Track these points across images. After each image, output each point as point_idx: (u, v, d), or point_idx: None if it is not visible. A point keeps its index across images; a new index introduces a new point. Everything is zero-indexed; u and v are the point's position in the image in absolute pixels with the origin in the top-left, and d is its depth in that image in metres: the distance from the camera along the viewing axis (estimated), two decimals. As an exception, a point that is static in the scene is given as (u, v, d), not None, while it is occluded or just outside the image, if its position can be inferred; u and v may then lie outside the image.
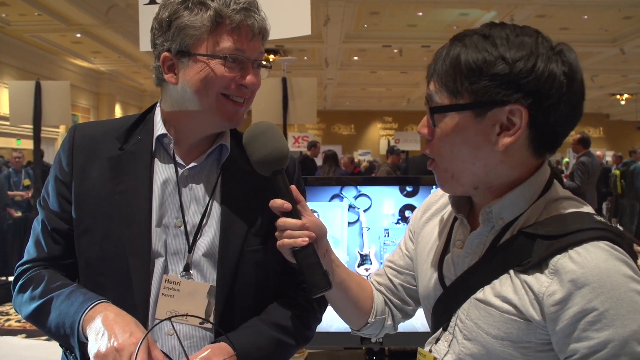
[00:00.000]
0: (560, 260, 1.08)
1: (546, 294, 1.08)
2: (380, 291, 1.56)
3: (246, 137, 1.43)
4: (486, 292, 1.18)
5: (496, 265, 1.19)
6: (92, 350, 1.22)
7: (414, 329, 2.10)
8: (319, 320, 1.63)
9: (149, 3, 2.80)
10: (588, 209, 1.18)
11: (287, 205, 1.35)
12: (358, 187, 2.22)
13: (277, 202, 1.35)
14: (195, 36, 1.38)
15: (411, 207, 2.19)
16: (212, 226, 1.48)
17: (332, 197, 2.23)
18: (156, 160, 1.50)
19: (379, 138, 31.32)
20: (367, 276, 2.10)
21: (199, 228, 1.47)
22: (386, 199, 2.21)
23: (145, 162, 1.48)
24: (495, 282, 1.17)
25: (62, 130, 17.80)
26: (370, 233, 2.21)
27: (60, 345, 1.44)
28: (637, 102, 25.27)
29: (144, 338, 1.20)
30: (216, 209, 1.49)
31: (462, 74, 1.13)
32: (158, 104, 1.55)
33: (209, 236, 1.47)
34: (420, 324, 2.09)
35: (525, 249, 1.14)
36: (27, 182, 10.49)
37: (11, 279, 1.52)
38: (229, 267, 1.45)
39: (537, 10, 13.44)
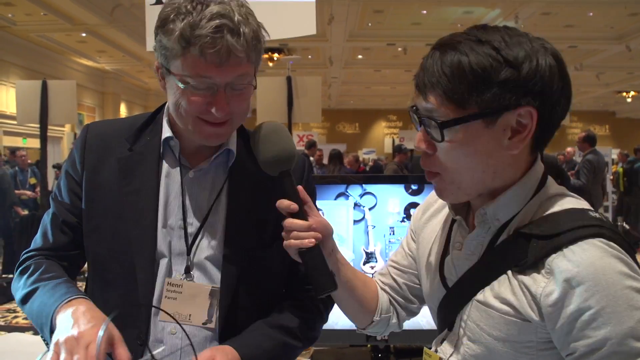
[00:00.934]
0: (556, 260, 1.07)
1: (543, 294, 1.08)
2: (384, 290, 1.56)
3: (254, 137, 1.43)
4: (486, 294, 1.18)
5: (494, 266, 1.18)
6: (54, 338, 1.21)
7: (419, 326, 2.11)
8: (325, 320, 1.64)
9: (156, 3, 2.82)
10: (584, 204, 1.17)
11: (294, 206, 1.34)
12: (363, 185, 2.23)
13: (284, 203, 1.35)
14: (170, 56, 1.33)
15: (416, 206, 2.19)
16: (216, 228, 1.49)
17: (338, 196, 2.24)
18: (164, 162, 1.51)
19: (383, 137, 31.29)
20: (372, 274, 2.11)
21: (200, 230, 1.48)
22: (391, 197, 2.22)
23: (153, 164, 1.49)
24: (494, 283, 1.17)
25: (67, 129, 17.84)
26: (376, 231, 2.22)
27: (40, 335, 1.43)
28: (643, 99, 25.19)
29: (104, 329, 1.17)
30: (222, 211, 1.50)
31: (468, 83, 1.09)
32: (167, 104, 1.54)
33: (214, 238, 1.48)
34: (426, 322, 2.10)
35: (521, 250, 1.13)
36: (33, 180, 10.54)
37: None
38: (233, 268, 1.47)
39: (542, 8, 13.37)
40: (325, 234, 1.37)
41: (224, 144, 1.51)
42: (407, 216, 2.20)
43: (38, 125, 7.24)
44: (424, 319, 2.08)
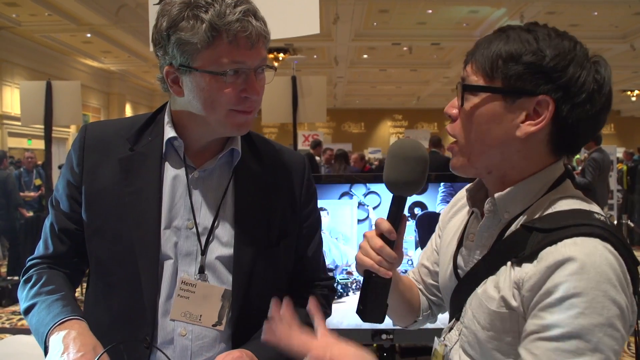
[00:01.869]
0: (547, 250, 1.08)
1: (525, 279, 1.09)
2: (419, 289, 1.61)
3: (391, 151, 1.30)
4: (487, 284, 1.20)
5: (498, 258, 1.20)
6: None
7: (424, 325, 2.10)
8: (329, 315, 1.65)
9: (159, 3, 2.81)
10: (593, 207, 1.18)
11: (394, 235, 1.27)
12: (367, 184, 2.22)
13: (385, 225, 1.27)
14: (194, 51, 1.32)
15: (420, 204, 2.19)
16: (225, 228, 1.48)
17: (342, 195, 2.23)
18: (166, 163, 1.49)
19: (389, 136, 31.31)
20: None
21: (212, 230, 1.46)
22: (396, 197, 2.20)
23: (155, 164, 1.48)
24: (497, 273, 1.19)
25: (72, 130, 17.89)
26: (380, 230, 2.20)
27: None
28: (649, 98, 25.12)
29: (98, 357, 1.18)
30: (229, 211, 1.49)
31: (500, 59, 1.16)
32: (168, 104, 1.54)
33: (223, 239, 1.47)
34: (431, 321, 2.10)
35: (522, 242, 1.15)
36: (38, 181, 10.54)
37: (24, 279, 1.57)
38: (244, 269, 1.46)
39: (547, 7, 13.37)
40: (399, 264, 1.35)
41: (229, 143, 1.51)
42: (412, 215, 2.19)
43: (43, 127, 7.25)
44: (429, 318, 2.08)
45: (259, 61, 1.38)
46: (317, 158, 12.19)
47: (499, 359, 1.17)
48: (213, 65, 1.33)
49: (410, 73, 22.35)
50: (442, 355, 1.34)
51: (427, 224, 2.24)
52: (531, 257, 1.11)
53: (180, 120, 1.48)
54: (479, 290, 1.22)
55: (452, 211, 1.52)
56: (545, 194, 1.21)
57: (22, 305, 1.46)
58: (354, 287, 2.26)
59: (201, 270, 1.45)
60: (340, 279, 2.26)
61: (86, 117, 18.99)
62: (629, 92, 24.91)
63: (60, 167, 11.01)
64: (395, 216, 1.29)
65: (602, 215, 1.14)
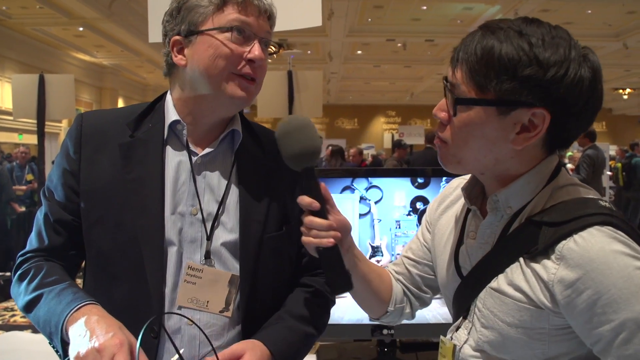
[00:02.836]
0: (566, 246, 1.10)
1: (555, 280, 1.10)
2: (398, 280, 1.58)
3: (282, 130, 1.35)
4: (500, 281, 1.20)
5: (507, 254, 1.21)
6: (72, 352, 1.18)
7: (425, 320, 2.10)
8: (334, 302, 1.64)
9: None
10: (594, 194, 1.20)
11: (316, 204, 1.31)
12: (369, 178, 2.21)
13: (306, 200, 1.31)
14: (203, 14, 1.39)
15: (422, 199, 2.18)
16: (230, 214, 1.46)
17: (343, 189, 2.22)
18: (168, 148, 1.48)
19: (382, 132, 31.37)
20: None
21: (217, 216, 1.45)
22: (397, 191, 2.20)
23: (156, 150, 1.46)
24: (508, 270, 1.20)
25: (64, 124, 17.79)
26: (382, 225, 2.20)
27: (49, 343, 1.40)
28: (640, 96, 25.26)
29: (139, 346, 1.14)
30: (233, 196, 1.48)
31: (494, 70, 1.11)
32: (168, 92, 1.53)
33: (228, 224, 1.46)
34: (432, 316, 2.10)
35: (532, 237, 1.16)
36: (30, 177, 10.46)
37: (16, 274, 1.51)
38: (250, 255, 1.44)
39: (541, 5, 13.42)
40: (344, 232, 1.36)
41: (230, 125, 1.50)
42: (414, 210, 2.18)
43: (35, 121, 7.18)
44: (430, 313, 2.09)
45: (264, 33, 1.43)
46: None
47: (527, 355, 1.18)
48: (220, 23, 1.39)
49: (404, 69, 22.38)
50: (451, 354, 1.33)
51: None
52: (546, 252, 1.12)
53: (181, 105, 1.48)
54: (493, 287, 1.21)
55: (442, 208, 1.51)
56: (546, 186, 1.22)
57: (22, 299, 1.41)
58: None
59: (207, 255, 1.43)
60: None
61: (79, 112, 18.89)
62: (620, 90, 25.04)
63: (54, 162, 11.01)
64: (310, 187, 1.32)
65: (605, 202, 1.16)
